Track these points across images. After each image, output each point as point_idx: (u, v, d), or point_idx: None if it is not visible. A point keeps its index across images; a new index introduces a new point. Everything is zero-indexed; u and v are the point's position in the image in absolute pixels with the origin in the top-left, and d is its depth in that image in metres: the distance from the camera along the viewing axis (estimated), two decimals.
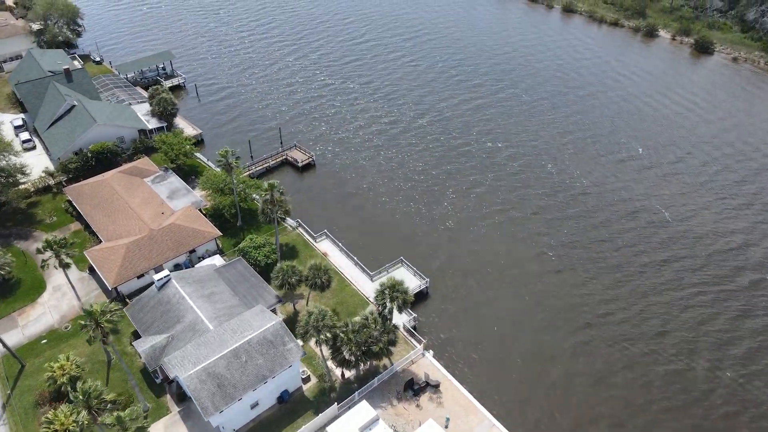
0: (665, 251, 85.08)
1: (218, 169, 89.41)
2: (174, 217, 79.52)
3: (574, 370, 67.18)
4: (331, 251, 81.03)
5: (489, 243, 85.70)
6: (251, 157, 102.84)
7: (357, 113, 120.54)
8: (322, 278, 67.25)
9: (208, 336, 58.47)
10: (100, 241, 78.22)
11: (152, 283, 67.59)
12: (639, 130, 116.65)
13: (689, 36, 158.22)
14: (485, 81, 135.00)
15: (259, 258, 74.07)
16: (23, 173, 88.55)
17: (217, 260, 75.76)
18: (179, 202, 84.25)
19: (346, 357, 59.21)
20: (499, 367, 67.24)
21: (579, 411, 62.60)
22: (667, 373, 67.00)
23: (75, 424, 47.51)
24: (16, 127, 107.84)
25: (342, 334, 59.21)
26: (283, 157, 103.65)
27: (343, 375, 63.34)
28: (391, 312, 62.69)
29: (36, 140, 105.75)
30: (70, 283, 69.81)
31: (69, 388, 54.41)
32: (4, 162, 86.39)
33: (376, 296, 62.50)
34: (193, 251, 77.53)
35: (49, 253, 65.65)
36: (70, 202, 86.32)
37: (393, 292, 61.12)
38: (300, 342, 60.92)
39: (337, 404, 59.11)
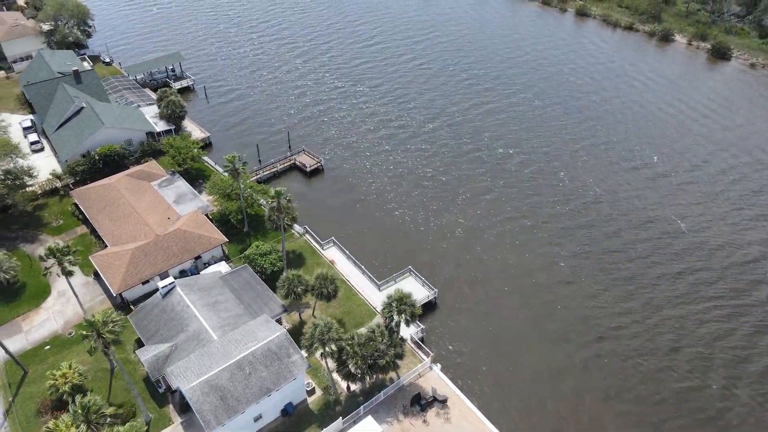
0: (680, 263, 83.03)
1: (225, 174, 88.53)
2: (180, 222, 78.72)
3: (585, 385, 65.49)
4: (338, 259, 79.81)
5: (499, 252, 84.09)
6: (259, 161, 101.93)
7: (366, 117, 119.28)
8: (329, 288, 66.01)
9: (212, 346, 57.45)
10: (106, 246, 77.64)
11: (157, 289, 66.82)
12: (654, 137, 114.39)
13: (706, 41, 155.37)
14: (497, 85, 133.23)
15: (265, 266, 72.99)
16: (30, 175, 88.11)
17: (223, 267, 74.92)
18: (186, 207, 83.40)
19: (352, 371, 57.95)
20: (508, 381, 65.67)
21: (590, 427, 60.95)
22: (681, 390, 65.09)
23: None
24: (25, 129, 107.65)
25: (348, 347, 57.96)
26: (291, 161, 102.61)
27: (348, 387, 62.09)
28: (398, 325, 61.34)
29: (44, 142, 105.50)
30: (74, 291, 69.03)
31: (70, 399, 53.60)
32: (11, 164, 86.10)
33: (384, 308, 61.25)
34: (198, 257, 76.64)
35: (51, 261, 64.72)
36: (76, 205, 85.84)
37: (401, 304, 59.84)
38: (305, 353, 59.81)
39: (342, 419, 57.88)
